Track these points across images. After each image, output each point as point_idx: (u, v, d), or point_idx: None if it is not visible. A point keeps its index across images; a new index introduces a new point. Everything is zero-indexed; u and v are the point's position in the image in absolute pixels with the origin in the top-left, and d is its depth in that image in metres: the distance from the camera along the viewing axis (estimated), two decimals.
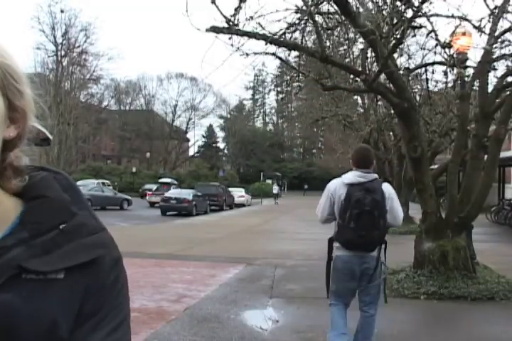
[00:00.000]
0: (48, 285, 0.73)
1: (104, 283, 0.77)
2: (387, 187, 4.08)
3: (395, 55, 7.65)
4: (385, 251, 4.07)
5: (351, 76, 8.69)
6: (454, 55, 6.72)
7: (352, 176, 4.06)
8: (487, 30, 6.81)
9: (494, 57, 7.27)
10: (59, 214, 0.77)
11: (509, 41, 7.27)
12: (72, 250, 0.74)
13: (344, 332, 4.10)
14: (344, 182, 4.04)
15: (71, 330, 0.74)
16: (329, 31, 7.73)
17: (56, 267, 0.73)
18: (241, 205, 34.82)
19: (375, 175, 4.11)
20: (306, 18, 6.39)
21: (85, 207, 0.82)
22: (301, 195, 52.80)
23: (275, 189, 42.83)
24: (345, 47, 9.68)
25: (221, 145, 75.34)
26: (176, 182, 41.15)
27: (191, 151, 75.16)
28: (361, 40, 7.92)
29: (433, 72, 8.38)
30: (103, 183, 37.17)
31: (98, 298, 0.76)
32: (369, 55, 7.41)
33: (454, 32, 6.61)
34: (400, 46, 7.22)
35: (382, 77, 7.64)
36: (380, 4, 6.89)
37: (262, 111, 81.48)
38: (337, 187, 4.07)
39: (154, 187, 41.94)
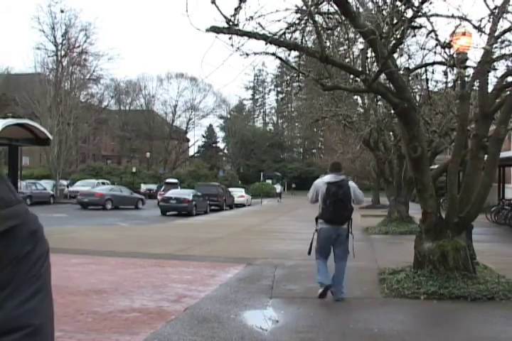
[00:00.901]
0: None
1: (18, 254, 0.81)
2: (351, 184, 6.55)
3: (395, 55, 7.65)
4: (351, 224, 6.46)
5: (351, 76, 8.68)
6: (454, 55, 6.71)
7: (329, 178, 6.48)
8: (487, 30, 6.80)
9: (494, 57, 7.26)
10: None
11: (509, 41, 7.27)
12: None
13: (327, 276, 6.44)
14: (324, 181, 6.45)
15: None
16: (329, 31, 7.73)
17: None
18: (241, 205, 34.83)
19: (343, 177, 6.56)
20: (306, 18, 6.38)
21: (2, 181, 0.85)
22: (301, 195, 52.71)
23: (278, 188, 45.57)
24: (345, 47, 9.68)
25: (221, 145, 75.42)
26: (180, 183, 41.59)
27: (191, 151, 75.21)
28: (361, 40, 7.92)
29: (433, 72, 8.34)
30: (103, 183, 37.24)
31: (12, 268, 0.80)
32: (369, 55, 7.40)
33: (454, 32, 6.60)
34: (400, 46, 7.21)
35: (382, 77, 7.63)
36: (380, 4, 6.89)
37: (262, 111, 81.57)
38: (320, 184, 6.47)
39: (154, 187, 42.10)
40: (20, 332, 0.78)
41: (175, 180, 42.45)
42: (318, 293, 6.48)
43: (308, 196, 6.68)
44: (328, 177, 6.51)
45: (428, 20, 6.33)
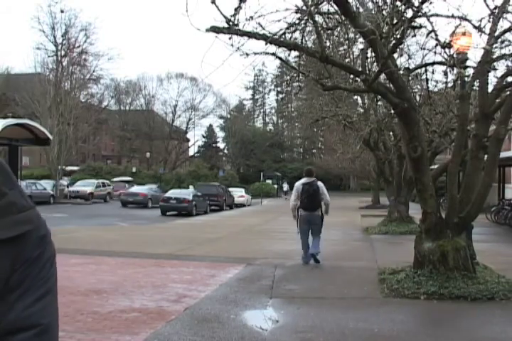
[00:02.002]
0: None
1: (29, 257, 0.85)
2: (320, 184, 9.28)
3: (395, 55, 7.64)
4: (321, 211, 9.22)
5: (351, 76, 8.68)
6: (454, 55, 6.71)
7: (304, 180, 9.29)
8: (487, 30, 6.80)
9: (494, 57, 7.26)
10: None
11: (509, 41, 7.26)
12: (3, 225, 0.83)
13: (308, 247, 9.28)
14: (301, 183, 9.28)
15: None
16: (329, 31, 7.72)
17: None
18: (241, 205, 34.81)
19: (313, 179, 9.29)
20: (306, 18, 6.38)
21: (15, 186, 0.88)
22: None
23: (285, 186, 49.53)
24: (345, 47, 9.68)
25: (221, 145, 75.31)
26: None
27: (191, 151, 75.15)
28: (361, 40, 7.92)
29: (433, 72, 8.33)
30: (103, 183, 37.24)
31: (23, 271, 0.85)
32: (369, 55, 7.40)
33: (454, 32, 6.60)
34: (400, 46, 7.20)
35: (382, 77, 7.63)
36: (380, 4, 6.89)
37: (262, 111, 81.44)
38: (298, 184, 9.29)
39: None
40: (30, 331, 0.83)
41: (128, 178, 42.63)
42: (302, 262, 9.45)
43: (291, 198, 9.53)
44: (303, 180, 9.39)
45: (428, 20, 6.33)
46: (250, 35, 6.19)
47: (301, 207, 9.23)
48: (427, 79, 8.26)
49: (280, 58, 7.26)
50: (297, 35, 6.95)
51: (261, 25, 6.13)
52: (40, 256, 0.87)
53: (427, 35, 6.59)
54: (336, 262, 9.82)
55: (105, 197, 36.16)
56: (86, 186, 35.41)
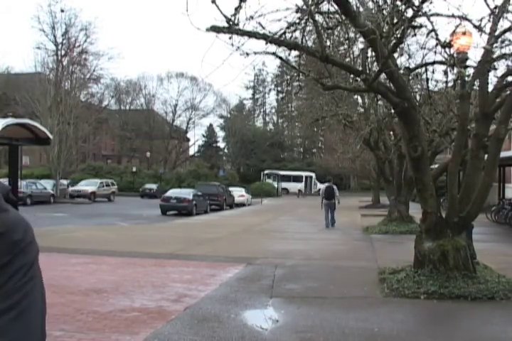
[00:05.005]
0: None
1: None
2: (335, 187, 18.09)
3: (395, 55, 7.64)
4: (335, 200, 17.58)
5: (351, 76, 8.68)
6: (454, 55, 6.71)
7: (327, 184, 18.38)
8: (487, 29, 6.80)
9: (494, 56, 7.26)
10: None
11: (509, 41, 7.26)
12: None
13: (327, 222, 17.61)
14: (325, 186, 18.33)
15: None
16: (329, 31, 7.72)
17: None
18: (241, 205, 34.81)
19: (331, 183, 18.25)
20: (306, 17, 6.38)
21: None
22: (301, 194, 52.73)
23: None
24: (346, 46, 9.68)
25: (221, 144, 75.27)
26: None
27: (191, 151, 75.14)
28: (361, 39, 7.92)
29: (433, 72, 8.31)
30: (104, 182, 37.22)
31: None
32: (369, 54, 7.40)
33: (454, 31, 6.60)
34: (400, 46, 7.21)
35: (383, 76, 7.63)
36: (381, 4, 6.88)
37: (262, 110, 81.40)
38: (324, 187, 18.59)
39: (154, 186, 42.14)
40: None
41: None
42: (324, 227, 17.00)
43: (320, 193, 18.60)
44: (326, 184, 17.84)
45: (428, 19, 6.33)
46: (250, 34, 6.18)
47: (324, 198, 17.10)
48: (427, 79, 8.24)
49: (280, 58, 7.25)
50: (297, 34, 6.95)
51: (261, 25, 6.13)
52: (7, 266, 0.76)
53: (427, 34, 6.60)
54: (336, 262, 9.82)
55: (109, 197, 36.16)
56: (88, 185, 35.40)
